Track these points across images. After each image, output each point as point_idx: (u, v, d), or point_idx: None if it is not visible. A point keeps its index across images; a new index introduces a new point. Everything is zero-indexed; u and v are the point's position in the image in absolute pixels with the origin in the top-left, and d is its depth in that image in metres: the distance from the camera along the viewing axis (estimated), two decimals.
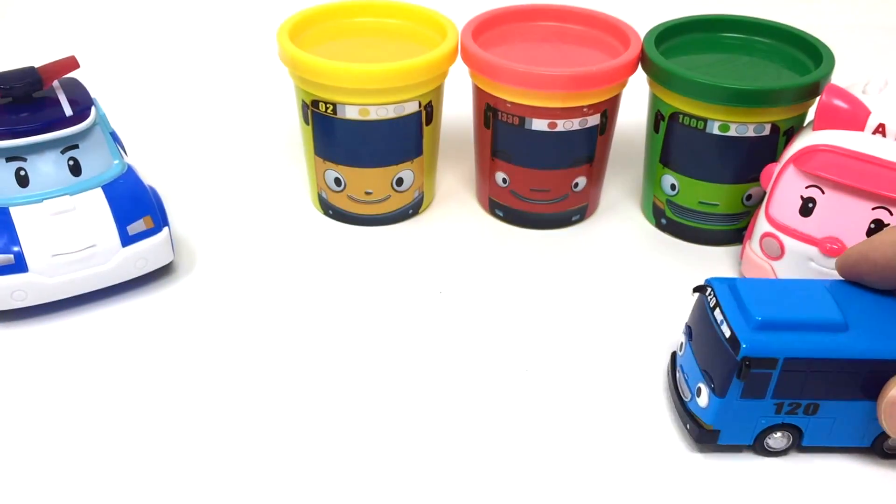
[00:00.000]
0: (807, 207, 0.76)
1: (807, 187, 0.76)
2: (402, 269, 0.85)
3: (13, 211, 0.75)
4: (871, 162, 0.74)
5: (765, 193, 0.80)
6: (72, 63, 0.80)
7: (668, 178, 0.87)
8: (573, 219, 0.91)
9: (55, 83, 0.80)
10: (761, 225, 0.80)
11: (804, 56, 0.87)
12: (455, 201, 0.95)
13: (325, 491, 0.65)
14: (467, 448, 0.68)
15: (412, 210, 0.92)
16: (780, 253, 0.78)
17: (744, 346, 0.62)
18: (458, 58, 0.87)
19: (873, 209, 0.74)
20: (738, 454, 0.68)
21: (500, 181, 0.89)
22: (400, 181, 0.89)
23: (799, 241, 0.77)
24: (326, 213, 0.92)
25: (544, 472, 0.66)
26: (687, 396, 0.68)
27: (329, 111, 0.84)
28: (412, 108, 0.85)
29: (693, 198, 0.87)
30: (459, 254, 0.87)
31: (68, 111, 0.77)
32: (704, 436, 0.67)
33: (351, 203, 0.89)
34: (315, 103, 0.84)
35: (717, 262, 0.87)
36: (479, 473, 0.66)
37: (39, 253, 0.75)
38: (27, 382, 0.73)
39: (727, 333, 0.64)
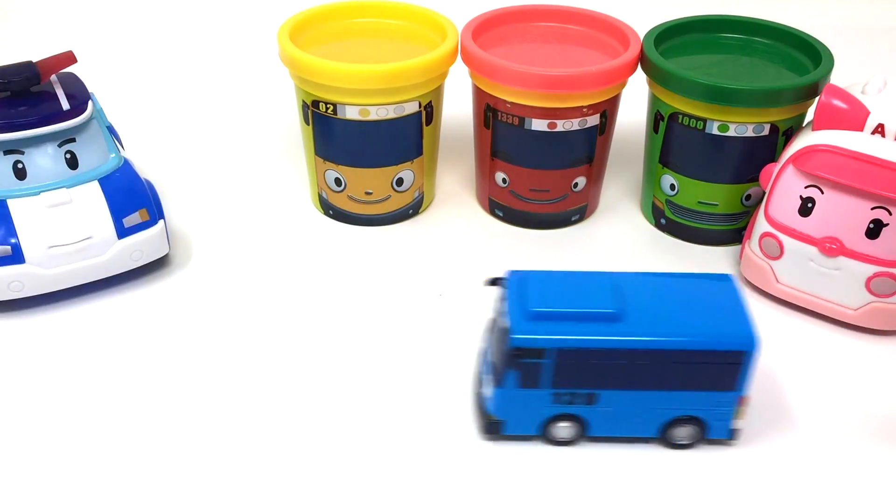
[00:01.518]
0: (806, 207, 0.76)
1: (806, 187, 0.76)
2: (402, 270, 0.84)
3: (10, 203, 0.75)
4: (871, 162, 0.73)
5: (764, 193, 0.79)
6: (69, 58, 0.79)
7: (668, 178, 0.87)
8: (573, 219, 0.90)
9: (53, 77, 0.80)
10: (760, 225, 0.79)
11: (803, 56, 0.86)
12: (455, 201, 0.94)
13: (322, 490, 0.64)
14: (466, 449, 0.67)
15: (412, 210, 0.91)
16: (779, 253, 0.78)
17: (513, 336, 0.62)
18: (458, 58, 0.86)
19: (872, 209, 0.74)
20: (529, 443, 0.67)
21: (499, 181, 0.89)
22: (400, 181, 0.88)
23: (798, 240, 0.77)
24: (326, 213, 0.91)
25: (543, 471, 0.65)
26: (480, 387, 0.68)
27: (329, 111, 0.83)
28: (412, 108, 0.84)
29: (692, 198, 0.86)
30: (459, 254, 0.87)
31: (66, 105, 0.77)
32: (490, 426, 0.66)
33: (351, 203, 0.89)
34: (315, 103, 0.84)
35: (716, 262, 0.86)
36: (477, 474, 0.65)
37: (36, 244, 0.75)
38: (23, 373, 0.72)
39: (504, 324, 0.63)
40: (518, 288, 0.65)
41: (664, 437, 0.67)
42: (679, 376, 0.64)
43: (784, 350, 0.76)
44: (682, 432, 0.66)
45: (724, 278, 0.68)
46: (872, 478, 0.66)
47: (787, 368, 0.74)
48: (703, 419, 0.66)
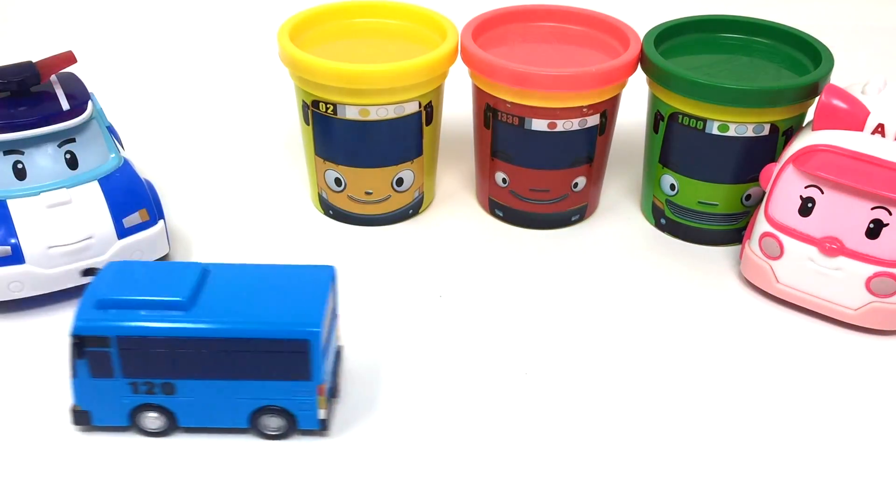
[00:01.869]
0: (806, 207, 0.76)
1: (806, 187, 0.75)
2: (402, 270, 0.84)
3: (10, 203, 0.75)
4: (871, 162, 0.73)
5: (764, 193, 0.79)
6: (69, 58, 0.79)
7: (668, 178, 0.86)
8: (573, 219, 0.90)
9: (52, 77, 0.80)
10: (760, 225, 0.79)
11: (803, 56, 0.86)
12: (455, 201, 0.94)
13: (319, 492, 0.64)
14: (466, 451, 0.66)
15: (412, 210, 0.91)
16: (779, 252, 0.77)
17: (74, 323, 0.63)
18: (458, 58, 0.86)
19: (872, 209, 0.73)
20: (122, 434, 0.67)
21: (499, 181, 0.88)
22: (400, 181, 0.88)
23: (798, 240, 0.76)
24: (326, 213, 0.91)
25: (544, 474, 0.65)
26: None
27: (329, 111, 0.83)
28: (412, 108, 0.84)
29: (692, 198, 0.86)
30: (459, 254, 0.86)
31: (65, 105, 0.77)
32: (78, 417, 0.66)
33: (351, 203, 0.88)
34: (315, 103, 0.83)
35: (716, 261, 0.86)
36: (478, 476, 0.65)
37: (36, 244, 0.75)
38: (23, 373, 0.72)
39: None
40: (104, 278, 0.65)
41: (256, 428, 0.67)
42: (251, 366, 0.64)
43: (784, 350, 0.76)
44: (272, 423, 0.66)
45: (324, 270, 0.68)
46: (872, 478, 0.65)
47: (787, 368, 0.74)
48: (288, 409, 0.66)
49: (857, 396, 0.72)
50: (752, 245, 0.80)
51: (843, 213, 0.74)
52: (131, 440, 0.67)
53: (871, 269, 0.74)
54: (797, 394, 0.72)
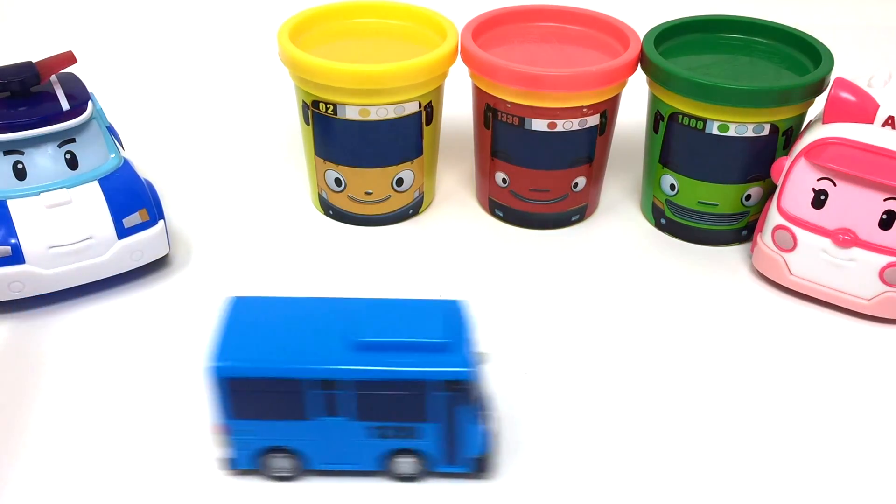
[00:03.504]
0: (819, 199, 0.74)
1: (818, 180, 0.74)
2: (402, 270, 0.81)
3: (10, 203, 0.73)
4: (882, 154, 0.72)
5: (767, 191, 0.77)
6: (69, 58, 0.78)
7: (668, 178, 0.83)
8: (573, 219, 0.87)
9: (53, 78, 0.78)
10: (773, 217, 0.77)
11: (803, 56, 0.83)
12: (455, 201, 0.91)
13: (320, 493, 0.61)
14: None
15: (412, 210, 0.87)
16: (792, 245, 0.75)
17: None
18: (458, 58, 0.83)
19: (885, 200, 0.72)
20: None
21: (499, 181, 0.85)
22: (400, 181, 0.84)
23: (812, 232, 0.75)
24: (327, 213, 0.87)
25: (544, 473, 0.63)
26: None
27: (329, 111, 0.80)
28: (412, 108, 0.81)
29: (692, 198, 0.83)
30: (459, 254, 0.83)
31: (65, 105, 0.76)
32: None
33: (351, 203, 0.85)
34: (315, 104, 0.80)
35: (715, 261, 0.83)
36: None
37: (36, 245, 0.73)
38: (23, 374, 0.70)
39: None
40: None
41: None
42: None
43: (798, 341, 0.74)
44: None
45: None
46: (888, 467, 0.63)
47: (802, 359, 0.72)
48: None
49: (872, 386, 0.70)
50: (765, 238, 0.78)
51: (856, 205, 0.73)
52: None
53: (885, 259, 0.73)
54: (812, 384, 0.70)
